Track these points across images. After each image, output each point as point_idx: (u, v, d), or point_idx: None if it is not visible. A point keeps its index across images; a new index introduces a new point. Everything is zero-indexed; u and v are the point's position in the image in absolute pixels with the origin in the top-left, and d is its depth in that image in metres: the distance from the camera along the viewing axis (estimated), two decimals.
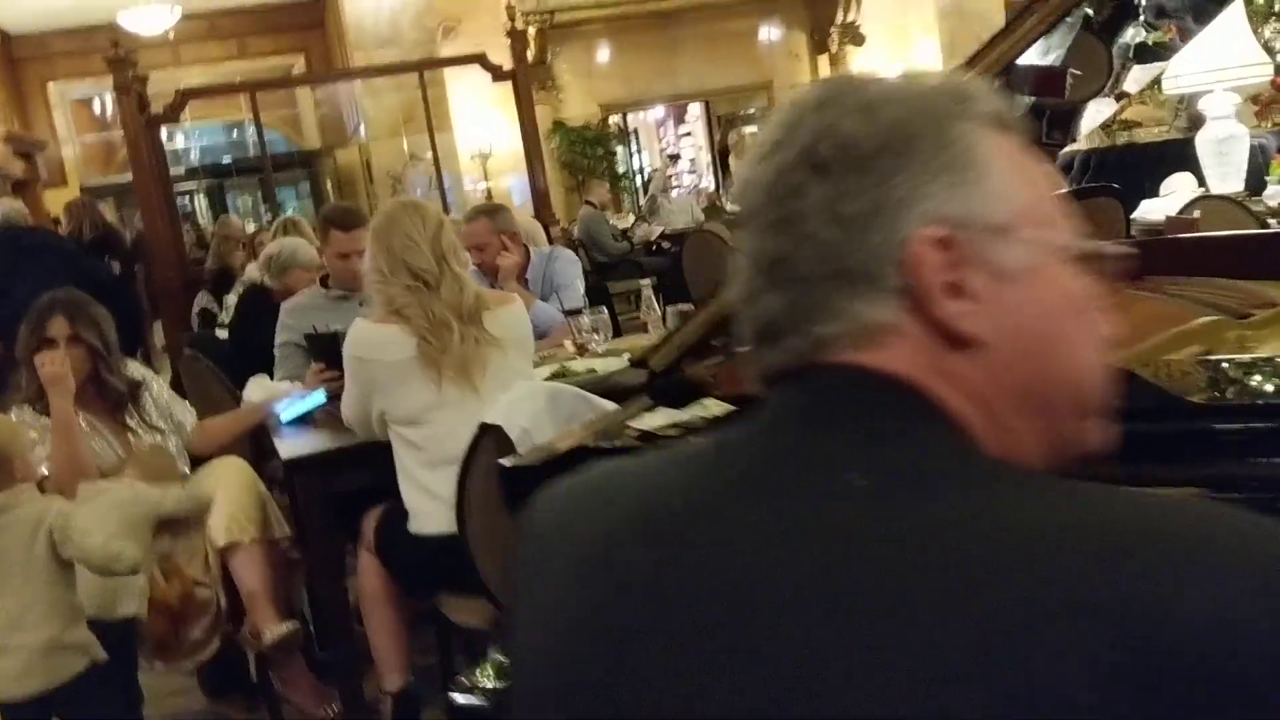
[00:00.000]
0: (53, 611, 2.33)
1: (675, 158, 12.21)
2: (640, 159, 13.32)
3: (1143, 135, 6.27)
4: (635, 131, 13.26)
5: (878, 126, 0.68)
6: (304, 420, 3.27)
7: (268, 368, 3.93)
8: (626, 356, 3.26)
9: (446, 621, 2.85)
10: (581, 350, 3.34)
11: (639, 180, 12.87)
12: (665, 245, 8.62)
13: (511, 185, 11.27)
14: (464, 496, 2.52)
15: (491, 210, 3.91)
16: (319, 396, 3.23)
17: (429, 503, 2.67)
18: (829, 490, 0.63)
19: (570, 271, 4.00)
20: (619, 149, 12.12)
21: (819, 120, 0.69)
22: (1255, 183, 4.96)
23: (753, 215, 0.71)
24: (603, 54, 11.79)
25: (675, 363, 1.75)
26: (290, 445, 3.01)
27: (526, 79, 10.67)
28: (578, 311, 3.48)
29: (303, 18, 13.34)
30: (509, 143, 11.74)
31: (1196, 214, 3.91)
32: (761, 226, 0.70)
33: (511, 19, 10.13)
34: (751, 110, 12.53)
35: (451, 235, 2.79)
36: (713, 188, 12.34)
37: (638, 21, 11.58)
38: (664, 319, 3.71)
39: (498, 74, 9.29)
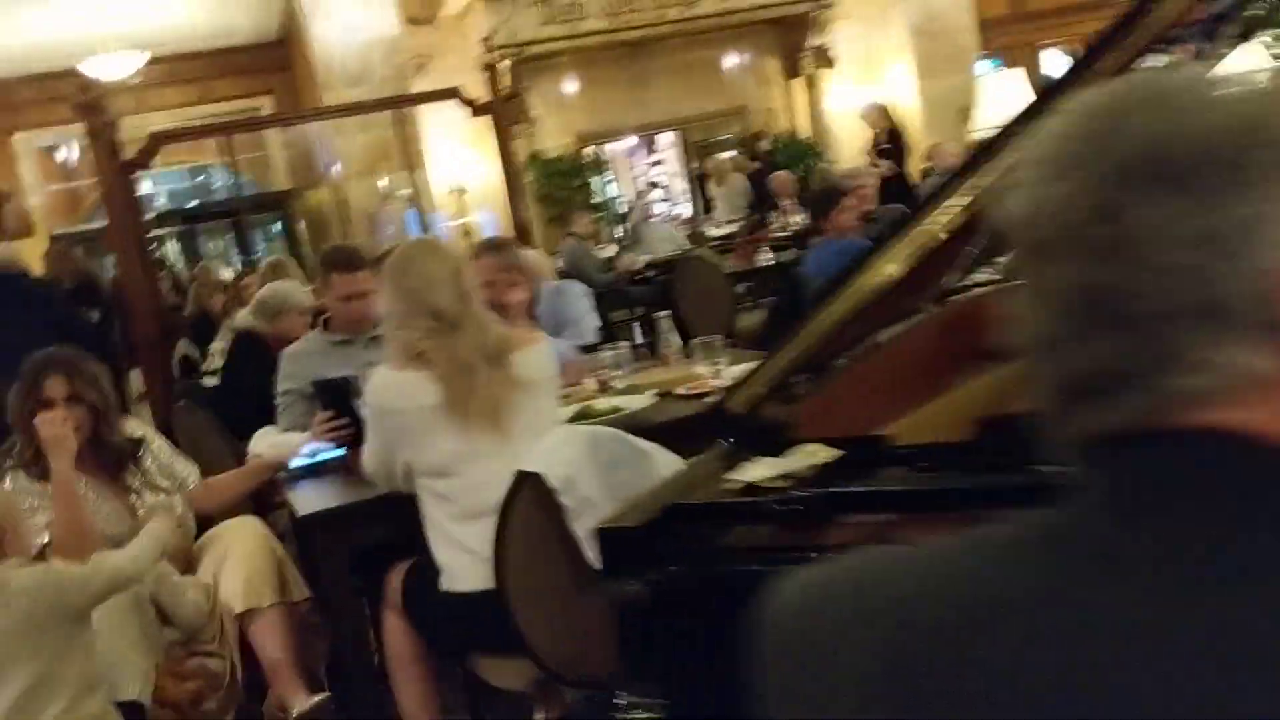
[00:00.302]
0: (69, 685, 2.16)
1: (655, 185, 12.12)
2: (614, 189, 13.21)
3: None
4: (607, 162, 13.16)
5: (1204, 134, 0.55)
6: (312, 471, 3.11)
7: (263, 416, 3.77)
8: (653, 393, 3.14)
9: (477, 683, 2.69)
10: (604, 388, 3.21)
11: (615, 210, 12.77)
12: (650, 274, 8.49)
13: (483, 221, 11.15)
14: (502, 550, 2.38)
15: (499, 245, 3.77)
16: (334, 451, 3.07)
17: (462, 558, 2.52)
18: (1208, 576, 0.50)
19: (581, 306, 3.87)
20: (595, 179, 12.02)
21: (1127, 128, 0.56)
22: None
23: (1057, 242, 0.58)
24: (575, 86, 11.72)
25: (757, 405, 1.63)
26: (306, 500, 2.84)
27: (506, 112, 10.59)
28: (595, 347, 3.34)
29: (268, 59, 13.19)
30: (484, 178, 11.64)
31: None
32: (1072, 254, 0.57)
33: (490, 50, 10.07)
34: (726, 137, 12.47)
35: (471, 274, 2.66)
36: (690, 214, 12.24)
37: (608, 52, 11.52)
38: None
39: (476, 108, 9.16)
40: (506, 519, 2.36)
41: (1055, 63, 11.75)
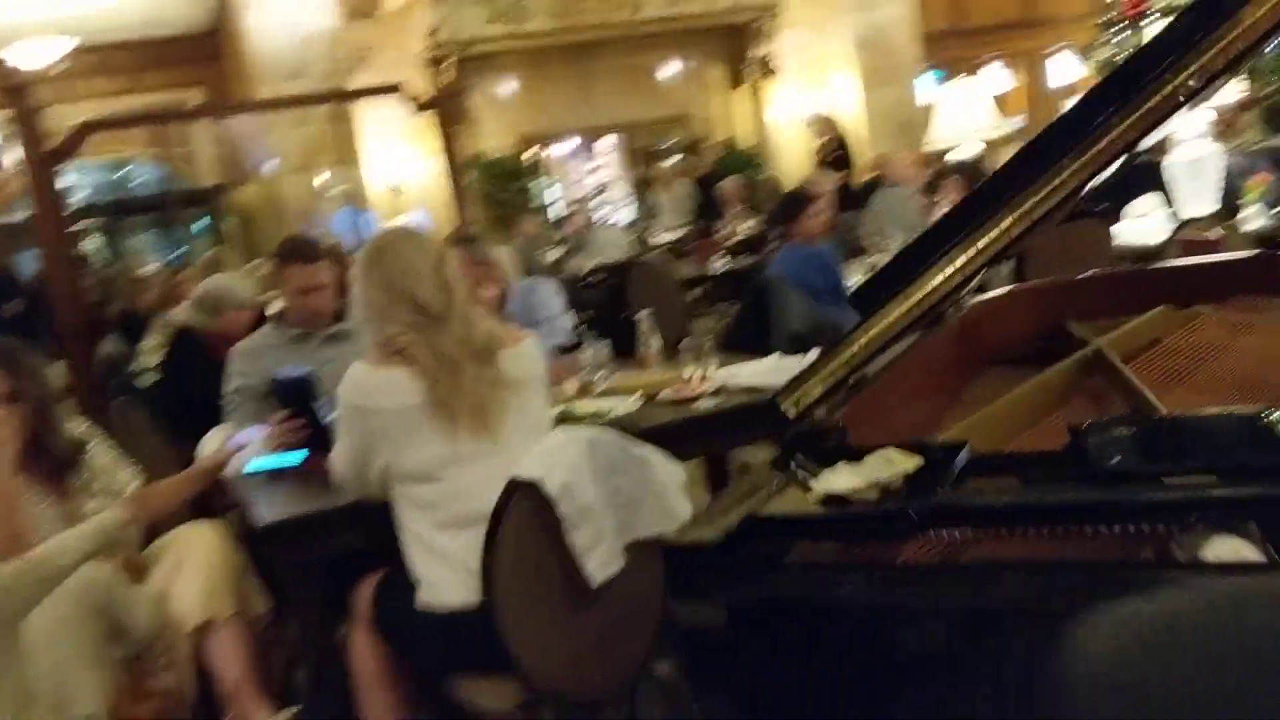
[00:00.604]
0: (4, 700, 1.94)
1: (603, 189, 11.96)
2: (554, 192, 13.02)
3: None
4: (549, 165, 12.97)
5: None
6: (269, 475, 2.89)
7: (205, 416, 3.55)
8: (639, 395, 2.98)
9: (456, 706, 2.50)
10: (584, 390, 3.04)
11: (555, 214, 12.57)
12: (597, 278, 8.33)
13: (418, 221, 10.90)
14: (492, 562, 2.20)
15: (467, 239, 3.58)
16: (295, 455, 2.85)
17: (443, 570, 2.33)
18: None
19: (555, 303, 3.70)
20: (537, 182, 11.82)
21: None
22: (1229, 204, 4.89)
23: None
24: (518, 86, 11.51)
25: (809, 410, 1.48)
26: (267, 506, 2.62)
27: (450, 109, 10.36)
28: (575, 347, 3.18)
29: (199, 51, 12.81)
30: (422, 177, 11.38)
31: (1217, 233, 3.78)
32: None
33: (435, 47, 9.83)
34: (669, 143, 12.35)
35: (455, 265, 2.47)
36: (632, 220, 12.09)
37: (554, 53, 11.35)
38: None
39: (420, 104, 8.93)
40: (497, 528, 2.18)
41: (998, 77, 11.78)
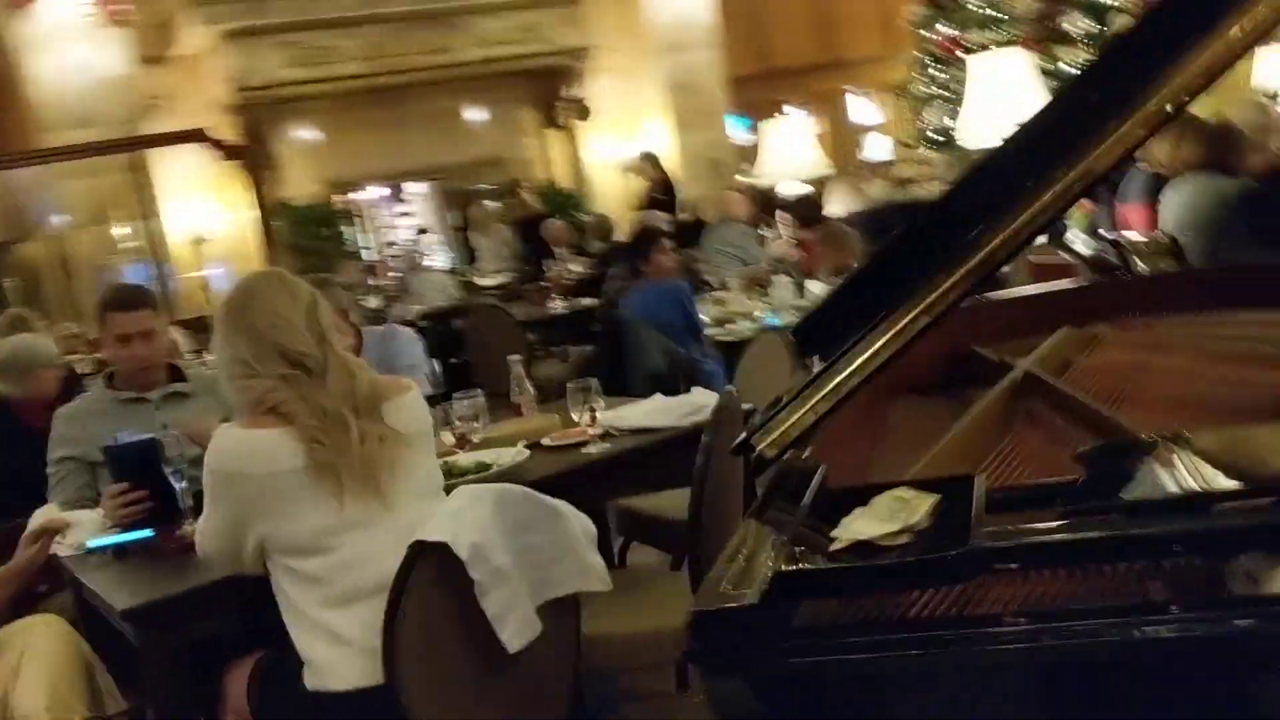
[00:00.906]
0: None
1: (423, 231, 11.66)
2: (365, 238, 12.64)
3: (923, 190, 6.40)
4: (359, 211, 12.60)
5: None
6: (113, 555, 2.59)
7: (18, 493, 3.20)
8: (522, 445, 2.81)
9: None
10: (462, 442, 2.84)
11: (364, 261, 12.18)
12: (423, 324, 8.07)
13: (218, 275, 10.38)
14: (394, 638, 1.99)
15: (319, 283, 3.33)
16: (140, 532, 2.56)
17: (334, 651, 2.10)
18: None
19: (413, 350, 3.49)
20: (349, 228, 11.44)
21: None
22: (1058, 228, 5.07)
23: None
24: (326, 131, 11.14)
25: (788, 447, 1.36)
26: (125, 590, 2.33)
27: (256, 156, 9.92)
28: (446, 397, 2.99)
29: None
30: (225, 227, 10.86)
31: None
32: None
33: (238, 91, 9.38)
34: (483, 186, 12.18)
35: (329, 311, 2.26)
36: (447, 265, 11.82)
37: (363, 97, 11.04)
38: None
39: (226, 151, 8.53)
40: (400, 600, 1.97)
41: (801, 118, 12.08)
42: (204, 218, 10.67)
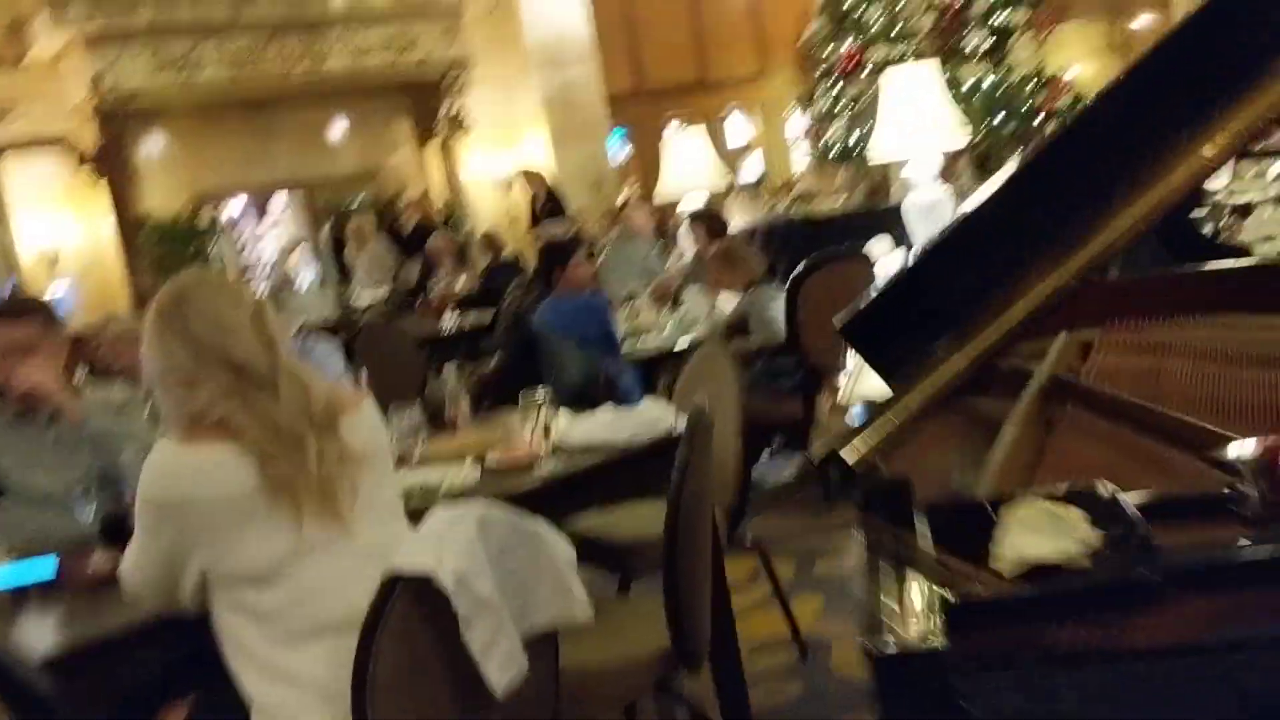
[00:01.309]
0: None
1: (294, 247, 11.19)
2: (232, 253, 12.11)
3: (821, 207, 6.39)
4: (225, 225, 12.07)
5: None
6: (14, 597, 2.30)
7: None
8: (470, 460, 2.62)
9: None
10: (402, 460, 2.63)
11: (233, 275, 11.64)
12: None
13: (65, 291, 9.77)
14: (367, 678, 1.77)
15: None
16: (44, 567, 2.28)
17: (290, 693, 1.87)
18: None
19: (335, 362, 3.26)
20: (215, 242, 10.92)
21: None
22: None
23: None
24: (191, 141, 10.63)
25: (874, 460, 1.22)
26: (39, 635, 2.05)
27: (117, 166, 9.38)
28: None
29: None
30: (81, 241, 10.26)
31: None
32: None
33: (98, 97, 8.84)
34: (357, 199, 11.80)
35: (275, 316, 2.04)
36: (319, 281, 11.38)
37: (230, 107, 10.59)
38: None
39: (85, 160, 8.04)
40: (373, 636, 1.76)
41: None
42: (58, 232, 10.05)
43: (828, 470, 3.47)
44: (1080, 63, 8.14)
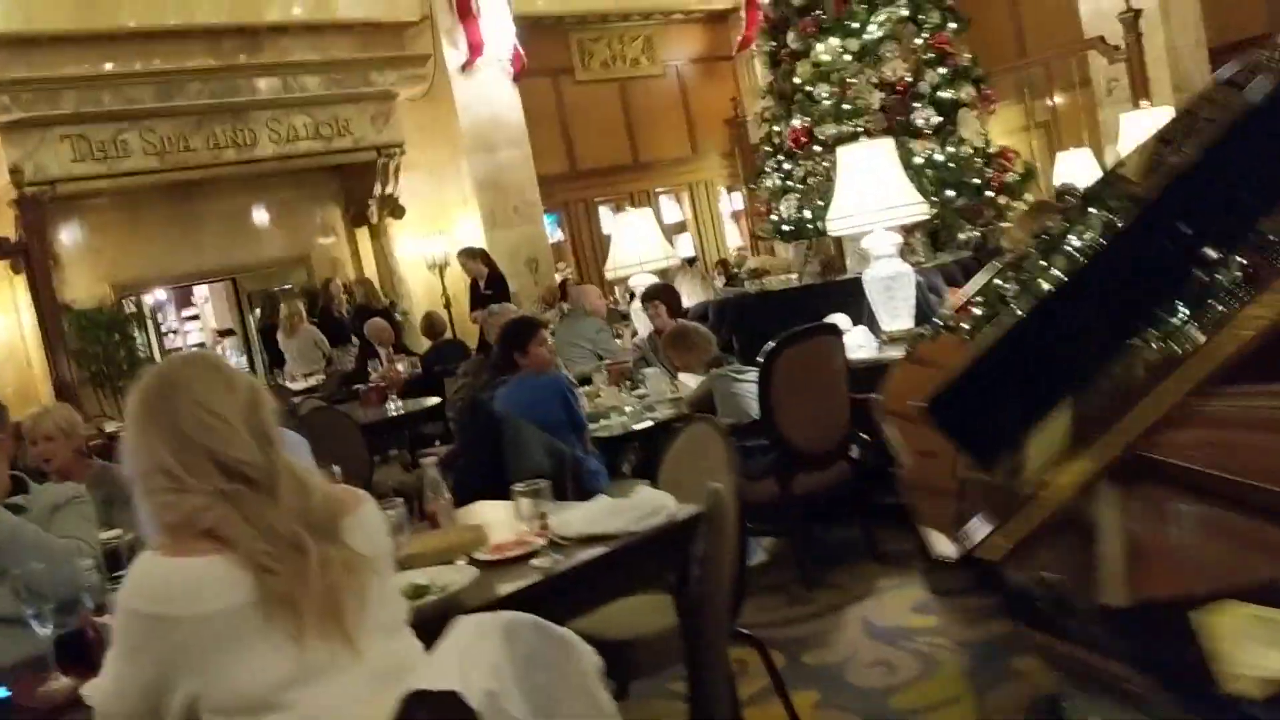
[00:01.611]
0: None
1: (228, 333, 10.88)
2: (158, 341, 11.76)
3: (774, 283, 6.33)
4: (150, 313, 11.72)
5: None
6: None
7: None
8: (462, 561, 2.44)
9: None
10: None
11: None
12: None
13: None
14: None
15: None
16: None
17: None
18: None
19: (304, 455, 3.05)
20: (141, 332, 10.56)
21: None
22: (922, 319, 5.05)
23: None
24: (116, 229, 10.32)
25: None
26: None
27: (38, 254, 9.04)
28: None
29: None
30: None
31: None
32: None
33: (19, 186, 8.52)
34: (287, 286, 11.55)
35: (270, 406, 1.86)
36: (246, 368, 11.08)
37: (154, 195, 10.31)
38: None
39: (3, 251, 7.75)
40: None
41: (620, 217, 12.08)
42: None
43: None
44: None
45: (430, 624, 1.88)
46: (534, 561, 2.41)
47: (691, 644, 2.11)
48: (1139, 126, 7.52)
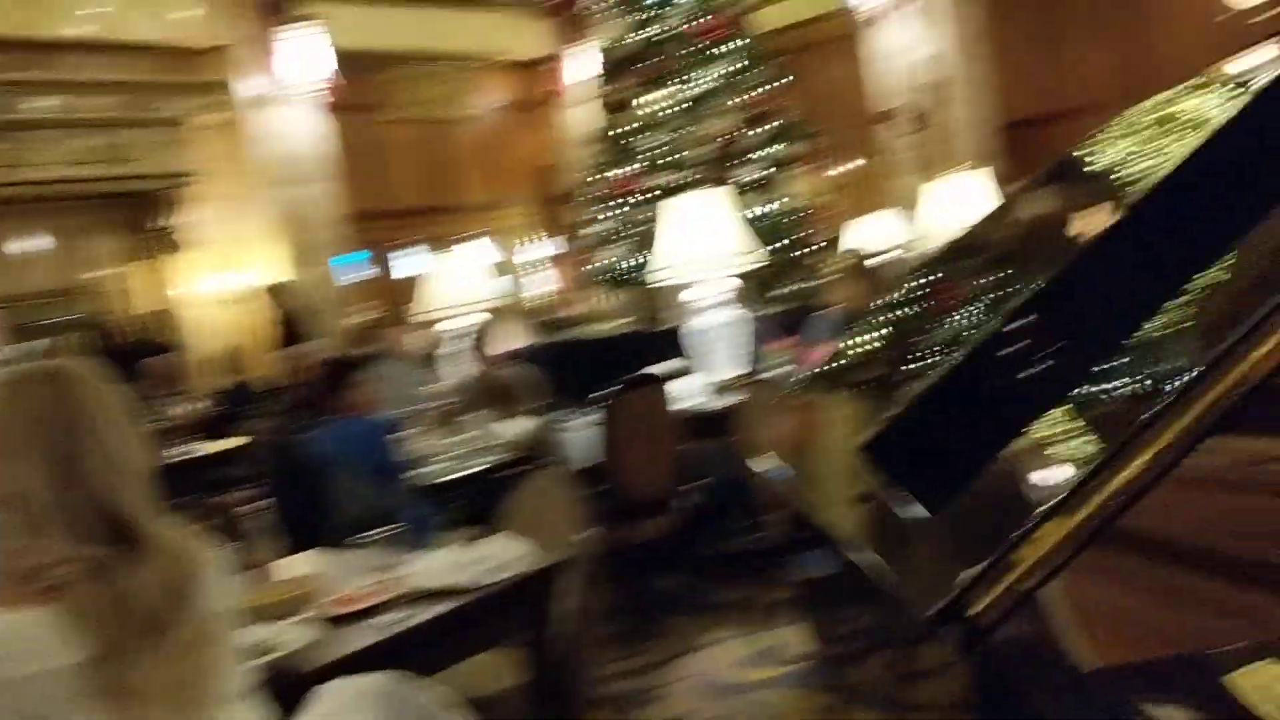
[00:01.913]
0: None
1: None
2: None
3: (595, 331, 6.26)
4: None
5: None
6: None
7: None
8: (303, 617, 2.22)
9: None
10: None
11: None
12: None
13: None
14: None
15: None
16: None
17: None
18: None
19: None
20: None
21: None
22: (752, 365, 5.06)
23: None
24: None
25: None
26: None
27: None
28: None
29: None
30: None
31: None
32: None
33: None
34: (64, 319, 10.74)
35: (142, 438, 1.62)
36: None
37: None
38: None
39: None
40: None
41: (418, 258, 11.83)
42: None
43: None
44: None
45: (275, 684, 1.68)
46: (384, 616, 2.22)
47: (546, 704, 1.97)
48: (937, 196, 7.84)
